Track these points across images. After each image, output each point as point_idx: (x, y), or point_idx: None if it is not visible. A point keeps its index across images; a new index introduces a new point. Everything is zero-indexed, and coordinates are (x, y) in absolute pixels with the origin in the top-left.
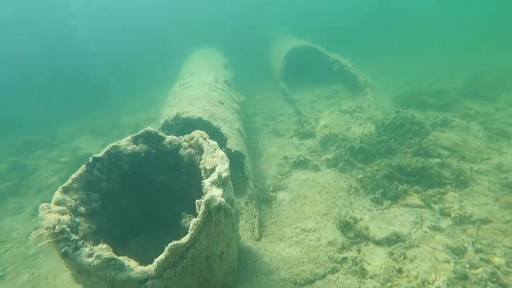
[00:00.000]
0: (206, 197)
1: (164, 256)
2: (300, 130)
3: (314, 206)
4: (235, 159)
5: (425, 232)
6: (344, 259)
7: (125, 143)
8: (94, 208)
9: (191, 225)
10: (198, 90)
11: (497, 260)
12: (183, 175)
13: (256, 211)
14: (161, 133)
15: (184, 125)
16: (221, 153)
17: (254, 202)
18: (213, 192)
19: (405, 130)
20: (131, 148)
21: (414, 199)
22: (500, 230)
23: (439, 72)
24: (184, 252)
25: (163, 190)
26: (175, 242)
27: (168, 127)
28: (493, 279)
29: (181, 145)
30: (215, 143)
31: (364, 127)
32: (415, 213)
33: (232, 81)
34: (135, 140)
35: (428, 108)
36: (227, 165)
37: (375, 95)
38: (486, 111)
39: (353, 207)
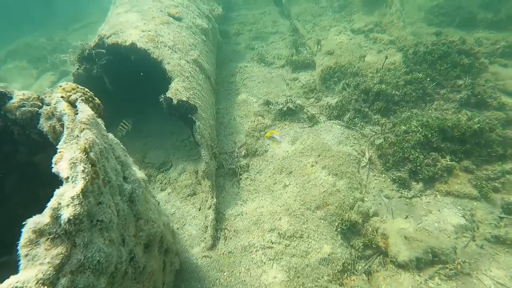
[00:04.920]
0: None
1: None
2: (294, 58)
3: (302, 190)
4: (183, 113)
5: (482, 247)
6: None
7: None
8: None
9: None
10: None
11: None
12: None
13: (212, 197)
14: None
15: (113, 55)
16: (83, 144)
17: (209, 184)
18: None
19: (450, 63)
20: None
21: (463, 183)
22: None
23: None
24: None
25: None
26: None
27: (87, 60)
28: None
29: (41, 111)
30: (89, 114)
31: (386, 57)
32: (464, 208)
33: None
34: None
35: (477, 27)
36: (79, 187)
37: (403, 8)
38: None
39: (363, 191)
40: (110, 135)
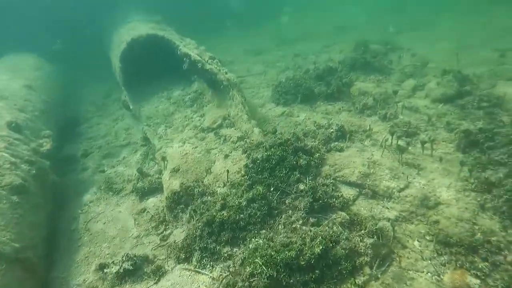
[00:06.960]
0: None
1: None
2: (139, 185)
3: None
4: None
5: None
6: None
7: None
8: None
9: None
10: None
11: None
12: None
13: None
14: None
15: None
16: None
17: None
18: None
19: (288, 167)
20: None
21: None
22: None
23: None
24: None
25: None
26: None
27: None
28: None
29: None
30: None
31: (228, 170)
32: None
33: (41, 109)
34: None
35: (317, 99)
36: None
37: (245, 99)
38: (384, 94)
39: None
40: None
